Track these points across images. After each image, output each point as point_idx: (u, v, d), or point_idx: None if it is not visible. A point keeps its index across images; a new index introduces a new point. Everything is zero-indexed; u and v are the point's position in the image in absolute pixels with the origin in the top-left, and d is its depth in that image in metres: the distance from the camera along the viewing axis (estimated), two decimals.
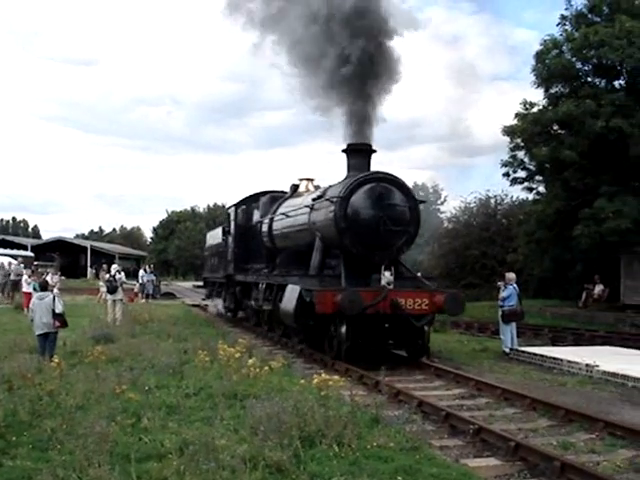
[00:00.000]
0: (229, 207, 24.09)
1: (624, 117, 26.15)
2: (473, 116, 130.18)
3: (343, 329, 13.16)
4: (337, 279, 14.06)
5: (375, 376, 11.29)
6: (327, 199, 14.66)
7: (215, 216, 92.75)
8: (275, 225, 19.03)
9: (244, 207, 22.94)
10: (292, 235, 17.45)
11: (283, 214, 18.24)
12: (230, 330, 20.78)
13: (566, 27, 29.96)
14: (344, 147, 15.17)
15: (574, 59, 29.08)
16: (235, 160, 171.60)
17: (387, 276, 13.47)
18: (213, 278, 28.27)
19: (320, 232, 15.05)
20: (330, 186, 15.63)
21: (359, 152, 15.08)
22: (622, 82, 29.01)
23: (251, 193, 23.14)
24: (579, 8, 29.68)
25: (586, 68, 29.56)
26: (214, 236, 28.21)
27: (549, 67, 28.93)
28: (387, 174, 14.44)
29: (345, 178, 15.02)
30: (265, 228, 19.94)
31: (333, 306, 12.71)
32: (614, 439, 8.35)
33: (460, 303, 13.90)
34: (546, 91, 30.25)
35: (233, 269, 22.38)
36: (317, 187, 18.94)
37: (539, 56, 29.70)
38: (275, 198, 20.64)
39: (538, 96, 31.35)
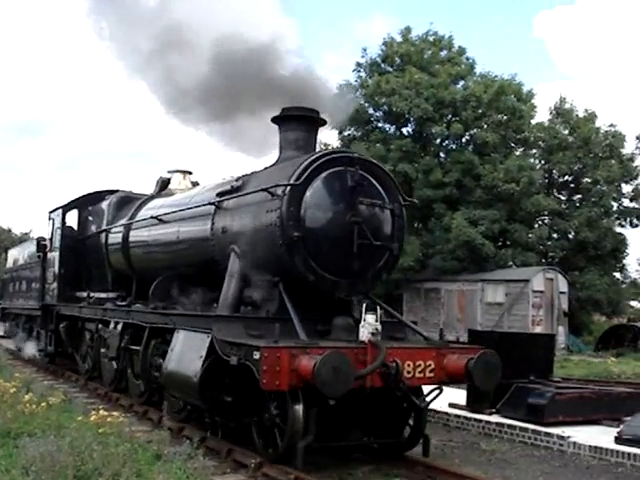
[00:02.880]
0: (53, 210, 17.31)
1: (410, 162, 28.18)
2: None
3: (298, 412, 7.36)
4: (284, 325, 7.74)
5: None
6: (264, 189, 8.75)
7: None
8: (135, 235, 13.35)
9: (76, 211, 16.73)
10: (171, 251, 11.70)
11: (154, 218, 12.43)
12: (9, 363, 19.52)
13: (361, 74, 31.76)
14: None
15: (367, 105, 30.75)
16: (23, 181, 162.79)
17: (371, 322, 8.07)
18: (18, 309, 21.62)
19: (239, 246, 9.36)
20: (247, 175, 10.07)
21: (301, 121, 9.63)
22: (410, 129, 31.10)
23: (88, 192, 16.79)
24: (373, 57, 31.58)
25: (377, 114, 31.39)
26: (21, 253, 22.15)
27: None
28: (361, 155, 9.27)
29: (278, 161, 9.78)
30: (115, 240, 14.17)
31: (296, 378, 6.99)
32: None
33: (496, 372, 8.16)
34: (340, 133, 31.71)
35: (56, 297, 16.33)
36: (195, 184, 14.45)
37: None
38: (130, 198, 15.02)
39: (332, 138, 32.75)
